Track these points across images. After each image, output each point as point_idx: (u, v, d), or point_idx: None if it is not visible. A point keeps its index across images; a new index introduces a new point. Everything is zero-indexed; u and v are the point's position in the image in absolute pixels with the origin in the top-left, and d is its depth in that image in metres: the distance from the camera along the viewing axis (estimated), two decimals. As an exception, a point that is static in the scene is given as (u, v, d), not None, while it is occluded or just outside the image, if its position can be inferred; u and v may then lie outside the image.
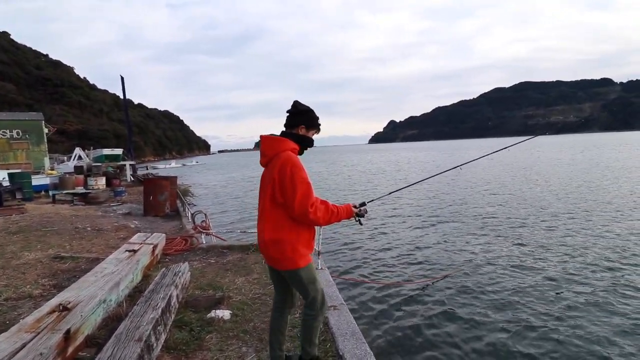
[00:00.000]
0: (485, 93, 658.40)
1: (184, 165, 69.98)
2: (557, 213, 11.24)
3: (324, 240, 5.55)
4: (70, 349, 2.56)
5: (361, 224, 2.55)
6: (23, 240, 5.99)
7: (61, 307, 2.84)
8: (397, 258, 7.54)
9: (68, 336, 2.54)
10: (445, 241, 8.73)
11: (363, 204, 2.51)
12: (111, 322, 3.17)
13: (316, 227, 3.56)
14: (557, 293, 5.56)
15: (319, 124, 2.44)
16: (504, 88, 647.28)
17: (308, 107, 2.41)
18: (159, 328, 2.80)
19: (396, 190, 3.54)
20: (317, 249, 4.88)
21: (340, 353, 2.76)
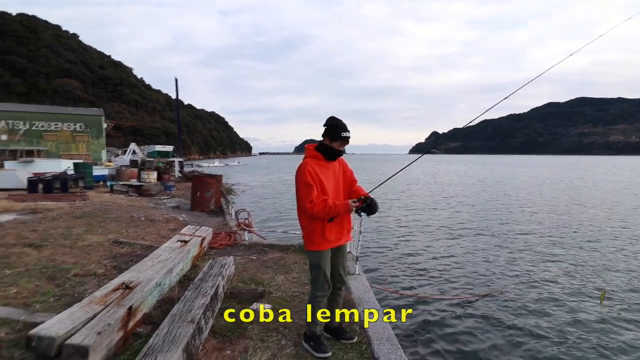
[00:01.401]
0: (537, 107, 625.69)
1: (226, 165, 72.54)
2: (607, 237, 10.55)
3: (364, 248, 5.63)
4: (131, 324, 2.84)
5: (360, 215, 2.93)
6: (86, 224, 6.58)
7: (124, 286, 3.15)
8: (436, 272, 7.45)
9: (130, 312, 2.82)
10: (486, 259, 8.49)
11: (360, 199, 2.76)
12: (164, 304, 3.45)
13: (353, 234, 3.78)
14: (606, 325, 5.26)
15: (342, 137, 2.76)
16: (558, 103, 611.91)
17: (333, 123, 2.79)
18: (207, 313, 3.02)
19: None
20: (354, 254, 4.98)
21: (376, 356, 2.84)
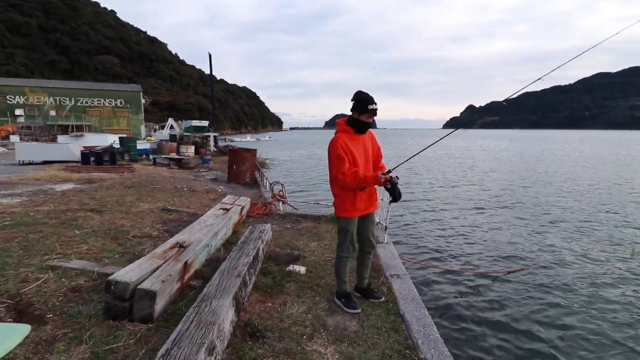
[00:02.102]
0: (584, 78, 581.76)
1: (258, 139, 73.77)
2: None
3: (394, 220, 5.85)
4: (186, 277, 3.28)
5: (387, 189, 2.99)
6: (136, 193, 7.21)
7: (179, 245, 3.59)
8: (465, 246, 7.57)
9: (186, 266, 3.25)
10: (516, 234, 8.49)
11: (389, 172, 2.96)
12: (212, 263, 3.88)
13: (382, 205, 4.05)
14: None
15: (369, 109, 2.90)
16: (609, 73, 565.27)
17: (360, 97, 2.92)
18: (251, 270, 3.41)
19: (410, 158, 3.54)
20: (384, 224, 5.23)
21: (401, 312, 3.14)
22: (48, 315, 2.69)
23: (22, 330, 1.84)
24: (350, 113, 3.01)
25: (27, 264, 3.49)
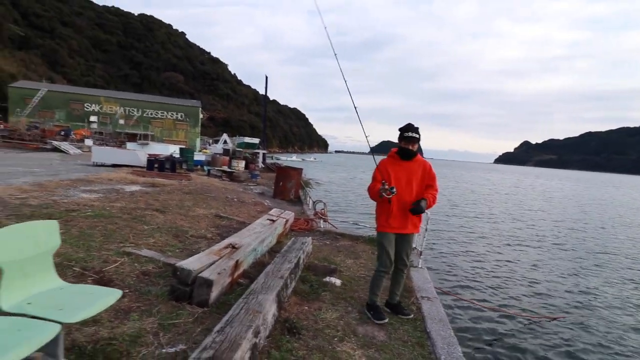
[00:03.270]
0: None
1: (303, 160, 75.46)
2: None
3: (432, 249, 6.00)
4: (236, 273, 3.73)
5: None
6: (193, 199, 7.94)
7: (231, 246, 4.06)
8: (501, 284, 7.43)
9: (236, 264, 3.70)
10: (565, 277, 8.14)
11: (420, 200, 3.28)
12: (257, 266, 4.32)
13: (421, 228, 4.31)
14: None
15: (405, 136, 3.29)
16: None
17: (401, 127, 3.36)
18: (292, 275, 3.79)
19: None
20: (419, 249, 5.42)
21: (427, 330, 3.34)
22: (125, 291, 3.22)
23: (116, 293, 2.34)
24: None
25: (107, 249, 4.12)
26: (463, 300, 6.19)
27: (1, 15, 73.28)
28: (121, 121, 51.73)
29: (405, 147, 3.30)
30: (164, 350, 2.52)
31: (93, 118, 49.82)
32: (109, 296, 2.29)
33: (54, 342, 1.98)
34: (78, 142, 30.02)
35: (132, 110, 52.64)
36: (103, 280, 3.36)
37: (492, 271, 8.18)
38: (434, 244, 9.90)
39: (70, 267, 3.51)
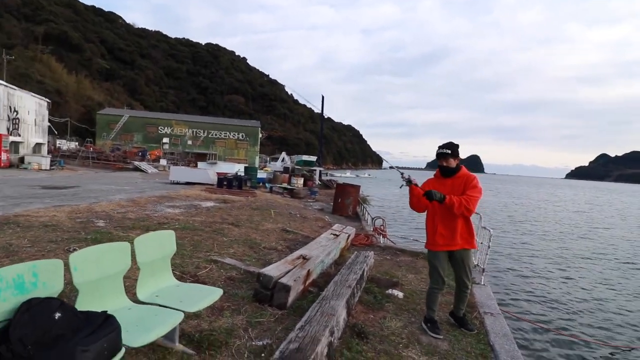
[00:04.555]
0: None
1: (357, 176, 75.64)
2: None
3: (498, 266, 5.98)
4: (307, 282, 4.14)
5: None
6: (260, 215, 8.63)
7: (302, 257, 4.51)
8: (569, 305, 7.08)
9: (308, 273, 4.12)
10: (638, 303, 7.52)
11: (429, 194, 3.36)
12: (324, 277, 4.71)
13: (482, 248, 4.41)
14: None
15: (437, 153, 3.52)
16: None
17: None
18: (357, 285, 4.12)
19: None
20: (482, 266, 5.46)
21: (491, 343, 3.47)
22: (217, 292, 3.77)
23: (219, 291, 2.86)
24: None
25: (197, 257, 4.78)
26: (525, 320, 6.03)
27: (92, 51, 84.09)
28: (189, 142, 56.17)
29: (440, 164, 3.53)
30: (253, 343, 2.97)
31: (165, 139, 54.64)
32: (214, 293, 2.81)
33: (173, 328, 2.51)
34: (153, 162, 33.26)
35: (199, 131, 56.99)
36: (198, 283, 3.95)
37: (556, 291, 7.78)
38: (495, 260, 9.61)
39: (172, 271, 4.17)
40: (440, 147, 3.51)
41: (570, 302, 7.28)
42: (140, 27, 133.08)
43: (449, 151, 3.44)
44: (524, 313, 6.53)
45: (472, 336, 3.63)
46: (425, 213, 3.67)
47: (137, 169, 24.86)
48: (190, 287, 3.00)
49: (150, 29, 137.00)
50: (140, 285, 2.70)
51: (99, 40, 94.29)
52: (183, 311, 2.45)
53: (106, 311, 1.99)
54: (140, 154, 37.93)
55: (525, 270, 9.34)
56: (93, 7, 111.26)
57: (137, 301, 2.62)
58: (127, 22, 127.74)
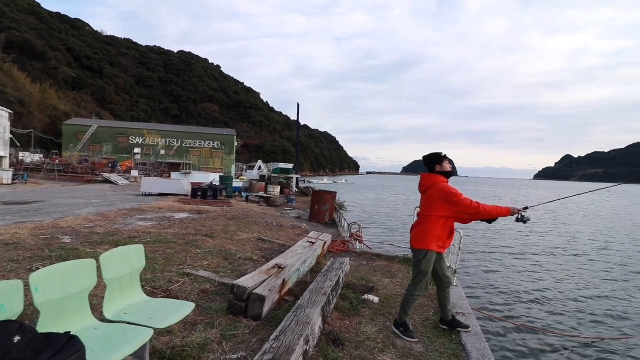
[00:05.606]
0: None
1: (334, 182, 76.03)
2: None
3: (469, 267, 6.15)
4: (283, 291, 4.13)
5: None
6: (236, 224, 8.53)
7: (277, 266, 4.49)
8: (543, 303, 7.35)
9: (284, 282, 4.11)
10: (613, 299, 7.88)
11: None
12: (300, 285, 4.70)
13: (453, 250, 4.53)
14: None
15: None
16: None
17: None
18: (333, 292, 4.14)
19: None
20: (454, 267, 5.60)
21: (463, 343, 3.56)
22: (190, 306, 3.70)
23: (191, 305, 2.81)
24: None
25: (169, 270, 4.67)
26: (495, 317, 6.22)
27: (57, 60, 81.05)
28: (162, 152, 54.88)
29: (450, 170, 3.71)
30: (227, 357, 2.93)
31: (137, 150, 53.18)
32: (186, 307, 2.76)
33: (142, 346, 2.44)
34: (124, 173, 32.26)
35: (173, 141, 55.83)
36: (170, 298, 3.86)
37: (523, 289, 8.08)
38: (465, 260, 9.88)
39: (142, 286, 4.04)
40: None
41: (539, 297, 7.57)
42: (109, 34, 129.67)
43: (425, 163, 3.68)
44: (495, 311, 6.73)
45: (445, 337, 3.71)
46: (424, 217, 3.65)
47: (107, 181, 24.04)
48: (161, 302, 2.92)
49: (119, 36, 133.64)
50: (108, 303, 2.62)
51: (65, 48, 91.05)
52: (153, 328, 2.40)
53: (69, 332, 1.92)
54: (110, 165, 36.74)
55: (494, 268, 9.66)
56: (58, 14, 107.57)
57: (104, 320, 2.53)
58: (95, 29, 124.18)
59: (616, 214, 31.47)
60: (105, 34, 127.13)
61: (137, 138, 54.56)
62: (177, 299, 3.86)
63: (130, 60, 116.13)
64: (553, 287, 8.43)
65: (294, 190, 22.97)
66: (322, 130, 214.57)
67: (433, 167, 3.65)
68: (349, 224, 9.21)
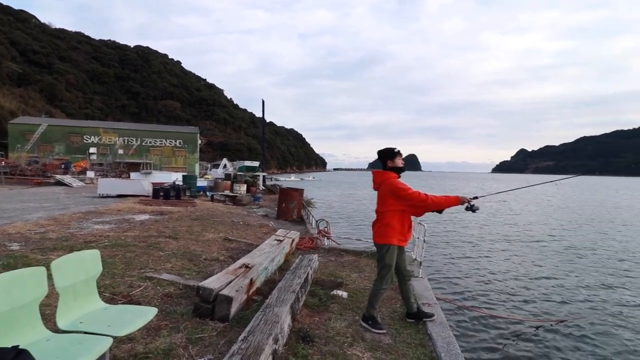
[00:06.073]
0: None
1: (302, 179, 76.00)
2: None
3: (433, 259, 6.34)
4: (251, 291, 4.06)
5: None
6: (201, 225, 8.30)
7: (245, 266, 4.41)
8: (506, 291, 7.72)
9: (251, 282, 4.04)
10: (569, 282, 8.42)
11: None
12: (269, 283, 4.65)
13: (418, 242, 4.64)
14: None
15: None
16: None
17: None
18: (302, 289, 4.12)
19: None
20: (419, 259, 5.76)
21: (429, 332, 3.67)
22: (153, 311, 3.55)
23: (153, 310, 2.69)
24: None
25: (130, 275, 4.46)
26: (458, 305, 6.49)
27: (0, 54, 75.06)
28: (120, 151, 52.37)
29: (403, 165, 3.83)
30: (194, 361, 2.84)
31: (92, 149, 50.44)
32: (148, 313, 2.64)
33: (101, 356, 2.32)
34: (79, 175, 30.48)
35: (131, 139, 53.38)
36: (131, 304, 3.68)
37: (486, 277, 8.49)
38: (429, 251, 10.22)
39: (100, 293, 3.82)
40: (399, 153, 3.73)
41: (499, 283, 7.98)
42: (57, 27, 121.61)
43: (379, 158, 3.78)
44: (459, 299, 7.01)
45: (412, 327, 3.81)
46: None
47: (59, 183, 22.60)
48: (120, 308, 2.79)
49: (69, 29, 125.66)
50: (61, 313, 2.45)
51: (9, 41, 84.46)
52: (112, 336, 2.27)
53: (18, 345, 1.78)
54: (63, 166, 34.57)
55: (457, 257, 10.07)
56: (0, 4, 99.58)
57: (58, 330, 2.37)
58: (42, 22, 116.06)
59: (566, 203, 33.69)
60: (53, 27, 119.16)
61: (92, 137, 51.71)
62: (139, 304, 3.69)
63: (83, 54, 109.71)
64: (511, 273, 8.90)
65: (261, 188, 22.71)
66: (288, 127, 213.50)
67: (385, 162, 3.75)
68: (316, 221, 9.23)
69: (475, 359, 5.08)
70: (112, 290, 3.92)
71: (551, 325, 6.10)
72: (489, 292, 7.57)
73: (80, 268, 2.63)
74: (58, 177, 24.15)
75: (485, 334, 5.74)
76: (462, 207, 3.54)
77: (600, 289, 8.01)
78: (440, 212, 3.62)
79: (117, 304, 3.63)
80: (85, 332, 2.33)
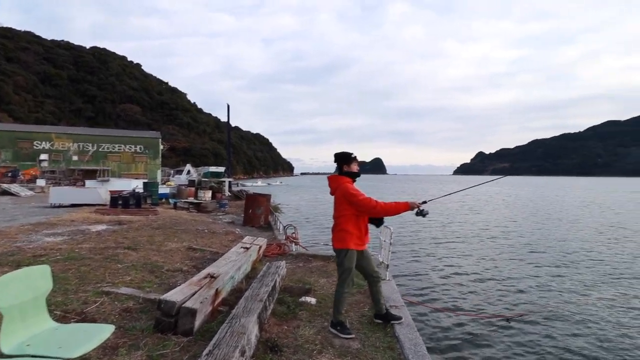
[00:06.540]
0: (594, 126, 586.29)
1: (269, 184, 75.28)
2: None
3: (399, 260, 6.44)
4: (216, 301, 3.93)
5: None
6: (163, 234, 7.97)
7: (210, 275, 4.26)
8: (468, 288, 8.00)
9: (217, 292, 3.91)
10: (522, 279, 8.85)
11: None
12: (235, 293, 4.52)
13: (384, 245, 4.69)
14: None
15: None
16: (619, 121, 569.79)
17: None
18: (270, 298, 4.05)
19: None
20: (386, 262, 5.83)
21: (396, 335, 3.71)
22: (110, 328, 3.35)
23: (109, 328, 2.54)
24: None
25: (84, 290, 4.19)
26: (425, 306, 6.65)
27: (-64, 53, 69.11)
28: (75, 157, 49.55)
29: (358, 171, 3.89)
30: (156, 379, 2.70)
31: (43, 156, 47.36)
32: (103, 331, 2.48)
33: (52, 381, 2.15)
34: (28, 183, 28.47)
35: (87, 145, 50.64)
36: (86, 321, 3.45)
37: (449, 276, 8.78)
38: (395, 253, 10.43)
39: (51, 311, 3.56)
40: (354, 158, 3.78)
41: (462, 281, 8.28)
42: (4, 26, 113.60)
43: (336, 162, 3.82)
44: (426, 300, 7.19)
45: (380, 331, 3.84)
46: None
47: (5, 192, 20.98)
48: (73, 327, 2.60)
49: (18, 28, 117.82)
50: (5, 335, 2.25)
51: (-54, 39, 77.98)
52: (63, 358, 2.12)
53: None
54: (10, 174, 32.20)
55: (422, 258, 10.36)
56: None
57: (2, 355, 2.18)
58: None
59: (518, 202, 35.59)
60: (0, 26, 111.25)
61: (43, 143, 48.59)
62: (95, 321, 3.47)
63: (33, 55, 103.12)
64: (472, 270, 9.26)
65: (227, 195, 22.24)
66: (254, 132, 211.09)
67: (341, 166, 3.79)
68: (284, 226, 9.15)
69: (442, 359, 5.21)
70: (64, 308, 3.65)
71: (510, 320, 6.40)
72: (452, 290, 7.82)
73: (28, 285, 2.44)
74: (4, 186, 22.40)
75: (451, 333, 5.91)
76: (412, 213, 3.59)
77: (552, 280, 8.50)
78: (379, 221, 3.76)
79: (70, 322, 3.40)
80: (33, 356, 2.16)
